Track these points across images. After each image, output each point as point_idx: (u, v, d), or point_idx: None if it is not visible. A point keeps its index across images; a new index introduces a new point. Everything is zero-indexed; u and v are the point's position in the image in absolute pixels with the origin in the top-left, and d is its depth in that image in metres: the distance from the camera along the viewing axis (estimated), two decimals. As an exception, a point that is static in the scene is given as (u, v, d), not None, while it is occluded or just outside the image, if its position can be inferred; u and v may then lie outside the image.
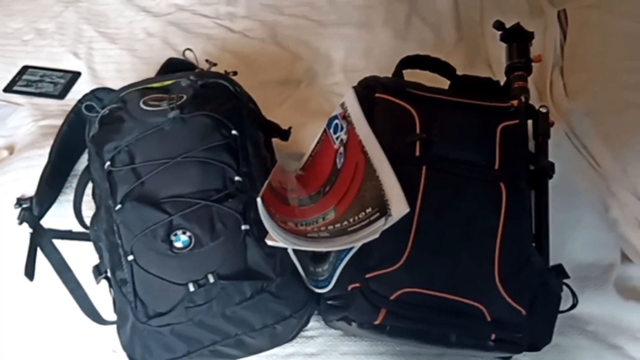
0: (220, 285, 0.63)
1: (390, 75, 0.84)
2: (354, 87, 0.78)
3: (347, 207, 0.68)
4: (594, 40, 1.03)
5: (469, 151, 0.70)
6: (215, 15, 1.24)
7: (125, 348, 0.66)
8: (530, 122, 0.77)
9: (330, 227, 0.66)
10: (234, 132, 0.70)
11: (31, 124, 0.97)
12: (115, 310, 0.68)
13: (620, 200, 0.83)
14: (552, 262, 0.71)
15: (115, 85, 0.82)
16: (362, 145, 0.70)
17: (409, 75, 0.86)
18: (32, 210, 0.76)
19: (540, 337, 0.68)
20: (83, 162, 0.81)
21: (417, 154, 0.69)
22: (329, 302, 0.68)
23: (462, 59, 1.07)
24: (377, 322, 0.63)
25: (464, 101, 0.75)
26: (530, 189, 0.72)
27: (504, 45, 0.85)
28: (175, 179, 0.66)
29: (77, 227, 0.77)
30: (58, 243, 0.76)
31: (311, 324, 0.73)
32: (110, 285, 0.68)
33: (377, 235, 0.60)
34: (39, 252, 0.74)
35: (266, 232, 0.62)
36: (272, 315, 0.66)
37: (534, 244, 0.69)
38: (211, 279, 0.63)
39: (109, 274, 0.68)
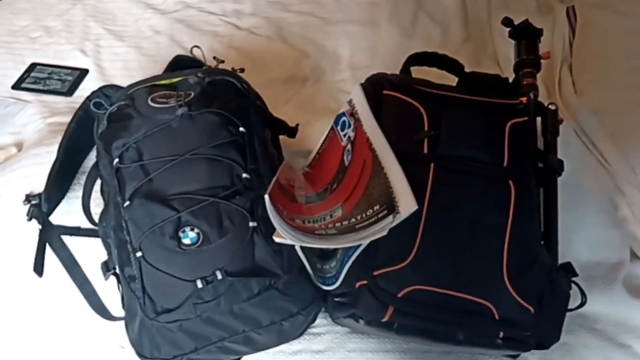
0: (228, 282, 0.63)
1: (397, 73, 0.83)
2: (362, 84, 0.78)
3: (355, 204, 0.68)
4: (599, 39, 1.02)
5: (477, 149, 0.69)
6: (222, 12, 1.24)
7: (133, 344, 0.67)
8: (539, 119, 0.76)
9: (338, 225, 0.66)
10: (241, 129, 0.70)
11: (39, 121, 0.98)
12: (124, 307, 0.68)
13: (630, 199, 0.83)
14: (560, 260, 0.70)
15: (123, 82, 0.82)
16: (370, 143, 0.70)
17: (417, 72, 0.85)
18: (40, 206, 0.76)
19: (548, 335, 0.68)
20: (91, 159, 0.81)
21: (425, 151, 0.69)
22: (336, 299, 0.68)
23: (469, 56, 1.07)
24: (384, 320, 0.63)
25: (472, 98, 0.75)
26: (539, 187, 0.72)
27: (512, 42, 0.85)
28: (183, 176, 0.67)
29: (86, 224, 0.77)
30: (67, 239, 0.76)
31: (318, 321, 0.73)
32: (119, 282, 0.69)
33: (385, 233, 0.60)
34: (48, 249, 0.75)
35: (274, 229, 0.62)
36: (279, 312, 0.66)
37: (542, 242, 0.69)
38: (219, 276, 0.63)
39: (117, 271, 0.68)
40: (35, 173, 0.82)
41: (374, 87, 0.77)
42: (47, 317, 0.80)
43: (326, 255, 0.70)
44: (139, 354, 0.66)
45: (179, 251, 0.64)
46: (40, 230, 0.75)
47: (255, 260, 0.65)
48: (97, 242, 0.72)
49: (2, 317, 0.82)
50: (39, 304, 0.81)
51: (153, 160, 0.67)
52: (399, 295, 0.63)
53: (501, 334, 0.64)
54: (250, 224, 0.65)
